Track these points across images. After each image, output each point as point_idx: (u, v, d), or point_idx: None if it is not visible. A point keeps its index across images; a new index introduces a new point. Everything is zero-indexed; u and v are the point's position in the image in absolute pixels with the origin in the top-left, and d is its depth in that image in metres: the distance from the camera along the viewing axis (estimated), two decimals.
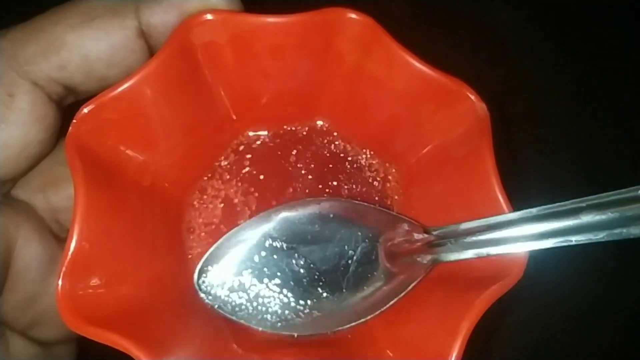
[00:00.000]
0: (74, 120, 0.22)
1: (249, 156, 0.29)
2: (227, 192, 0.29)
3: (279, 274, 0.26)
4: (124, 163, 0.24)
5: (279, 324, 0.26)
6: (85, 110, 0.22)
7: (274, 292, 0.26)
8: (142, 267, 0.24)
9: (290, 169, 0.29)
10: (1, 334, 0.25)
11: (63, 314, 0.19)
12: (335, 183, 0.29)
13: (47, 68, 0.23)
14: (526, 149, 0.41)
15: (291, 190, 0.29)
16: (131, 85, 0.23)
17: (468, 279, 0.23)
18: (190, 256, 0.28)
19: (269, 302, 0.26)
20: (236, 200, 0.28)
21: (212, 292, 0.26)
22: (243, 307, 0.26)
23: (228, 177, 0.29)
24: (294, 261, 0.26)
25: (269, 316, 0.26)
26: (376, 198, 0.29)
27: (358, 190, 0.29)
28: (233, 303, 0.26)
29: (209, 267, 0.26)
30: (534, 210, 0.21)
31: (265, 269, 0.26)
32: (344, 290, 0.26)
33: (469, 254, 0.23)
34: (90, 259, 0.21)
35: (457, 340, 0.20)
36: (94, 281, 0.21)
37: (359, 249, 0.26)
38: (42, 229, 0.25)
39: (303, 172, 0.29)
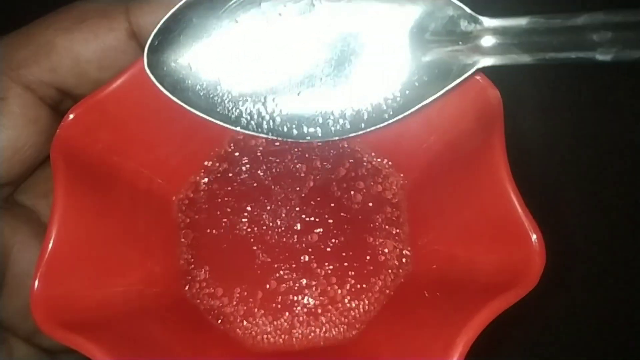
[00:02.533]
0: (62, 123, 0.22)
1: (248, 157, 0.28)
2: (226, 191, 0.27)
3: (258, 52, 0.21)
4: (116, 166, 0.24)
5: (255, 120, 0.22)
6: (71, 115, 0.22)
7: (252, 76, 0.21)
8: (131, 269, 0.23)
9: (290, 169, 0.27)
10: (4, 340, 0.25)
11: (36, 315, 0.19)
12: (342, 183, 0.27)
13: (38, 71, 0.23)
14: (535, 139, 0.38)
15: (290, 189, 0.27)
16: (118, 87, 0.22)
17: (476, 286, 0.20)
18: (182, 262, 0.26)
19: (241, 89, 0.21)
20: (235, 200, 0.27)
21: (168, 73, 0.21)
22: (208, 94, 0.21)
23: (227, 176, 0.28)
24: (283, 36, 0.21)
25: (237, 109, 0.21)
26: (384, 198, 0.27)
27: (364, 190, 0.27)
28: (193, 88, 0.21)
29: (164, 41, 0.21)
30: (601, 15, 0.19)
31: (240, 41, 0.21)
32: (352, 85, 0.21)
33: (525, 58, 0.20)
34: (70, 262, 0.20)
35: (451, 357, 0.17)
36: (74, 283, 0.21)
37: (379, 33, 0.21)
38: (43, 235, 0.25)
39: (304, 172, 0.27)
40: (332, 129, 0.22)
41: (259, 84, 0.22)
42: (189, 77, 0.22)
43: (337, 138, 0.23)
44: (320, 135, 0.22)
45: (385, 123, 0.22)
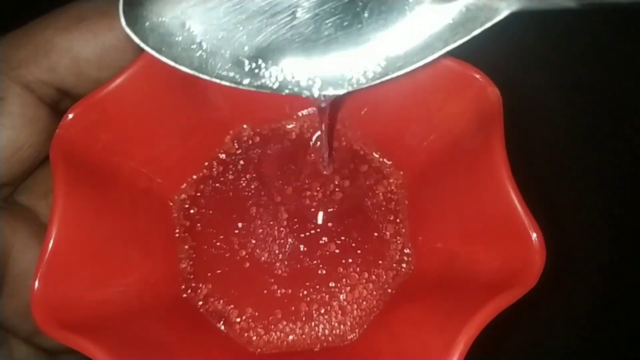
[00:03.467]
0: (61, 123, 0.22)
1: (248, 154, 0.28)
2: (226, 191, 0.27)
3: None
4: (116, 166, 0.24)
5: (253, 74, 0.19)
6: (71, 115, 0.22)
7: (251, 26, 0.18)
8: (131, 269, 0.23)
9: (290, 167, 0.27)
10: (4, 340, 0.25)
11: (36, 316, 0.19)
12: (344, 182, 0.27)
13: (37, 71, 0.23)
14: (535, 137, 0.38)
15: (291, 189, 0.27)
16: (117, 86, 0.22)
17: (476, 285, 0.20)
18: (183, 265, 0.26)
19: (239, 41, 0.18)
20: (235, 200, 0.27)
21: (151, 28, 0.18)
22: (201, 49, 0.19)
23: (226, 175, 0.28)
24: None
25: (235, 64, 0.18)
26: (382, 199, 0.27)
27: (364, 188, 0.27)
28: (185, 44, 0.18)
29: None
30: None
31: None
32: (362, 24, 0.19)
33: (568, 2, 0.17)
34: (70, 262, 0.20)
35: (452, 356, 0.17)
36: (75, 283, 0.21)
37: None
38: (43, 235, 0.25)
39: (302, 172, 0.27)
40: (347, 79, 0.20)
41: (259, 33, 0.19)
42: (177, 32, 0.19)
43: (350, 89, 0.20)
44: (333, 87, 0.20)
45: (405, 70, 0.20)
